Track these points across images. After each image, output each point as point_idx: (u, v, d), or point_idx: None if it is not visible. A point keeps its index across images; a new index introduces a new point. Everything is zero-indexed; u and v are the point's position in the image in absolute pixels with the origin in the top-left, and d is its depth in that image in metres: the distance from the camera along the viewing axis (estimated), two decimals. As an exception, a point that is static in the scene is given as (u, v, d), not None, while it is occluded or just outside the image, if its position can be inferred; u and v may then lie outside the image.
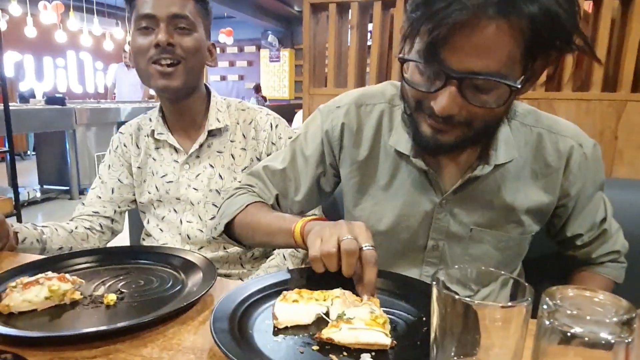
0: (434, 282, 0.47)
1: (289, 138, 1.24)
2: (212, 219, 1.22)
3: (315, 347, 0.62)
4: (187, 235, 1.25)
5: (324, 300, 0.71)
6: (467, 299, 0.44)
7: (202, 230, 1.25)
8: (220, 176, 1.24)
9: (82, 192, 5.46)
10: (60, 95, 5.84)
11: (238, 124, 1.27)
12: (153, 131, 1.27)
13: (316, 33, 2.31)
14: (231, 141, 1.26)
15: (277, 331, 0.66)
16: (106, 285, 0.85)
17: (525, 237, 0.94)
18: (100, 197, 1.31)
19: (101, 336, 0.67)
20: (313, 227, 0.80)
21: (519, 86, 0.70)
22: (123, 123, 1.64)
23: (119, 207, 1.32)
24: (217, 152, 1.26)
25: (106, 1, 8.96)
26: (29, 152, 8.89)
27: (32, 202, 5.19)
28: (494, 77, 0.68)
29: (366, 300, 0.70)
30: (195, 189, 1.25)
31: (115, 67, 7.68)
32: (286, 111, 6.29)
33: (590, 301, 0.43)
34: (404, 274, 0.88)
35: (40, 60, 9.79)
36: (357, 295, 0.72)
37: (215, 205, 1.22)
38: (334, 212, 1.28)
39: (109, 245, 1.24)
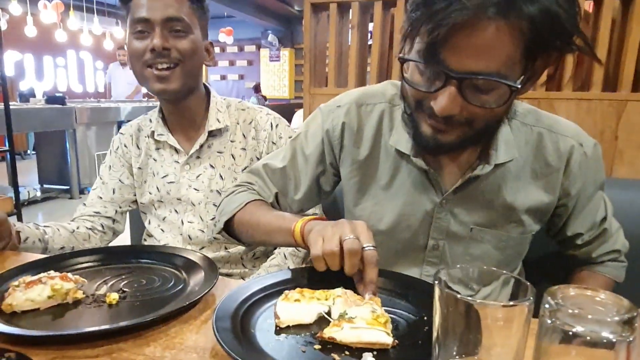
0: (437, 282, 0.48)
1: (289, 137, 1.24)
2: (213, 219, 1.22)
3: (317, 346, 0.62)
4: (189, 236, 1.25)
5: (326, 299, 0.71)
6: (469, 298, 0.44)
7: (203, 231, 1.25)
8: (221, 176, 1.25)
9: (82, 191, 5.46)
10: (61, 95, 5.84)
11: (238, 124, 1.27)
12: (153, 132, 1.28)
13: (317, 33, 2.31)
14: (231, 141, 1.26)
15: (279, 330, 0.66)
16: (108, 284, 0.85)
17: (526, 236, 0.94)
18: (101, 198, 1.31)
19: (104, 335, 0.67)
20: (314, 226, 0.80)
21: (519, 86, 0.70)
22: (123, 122, 1.64)
23: (120, 207, 1.32)
24: (218, 152, 1.26)
25: (106, 0, 8.94)
26: (29, 152, 8.89)
27: (32, 202, 5.19)
28: (494, 77, 0.69)
29: (368, 300, 0.70)
30: (196, 189, 1.25)
31: (110, 66, 7.68)
32: (286, 111, 6.30)
33: (592, 300, 0.43)
34: (405, 273, 0.88)
35: (40, 59, 9.79)
36: (359, 294, 0.73)
37: (216, 206, 1.22)
38: (334, 211, 1.28)
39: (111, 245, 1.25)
